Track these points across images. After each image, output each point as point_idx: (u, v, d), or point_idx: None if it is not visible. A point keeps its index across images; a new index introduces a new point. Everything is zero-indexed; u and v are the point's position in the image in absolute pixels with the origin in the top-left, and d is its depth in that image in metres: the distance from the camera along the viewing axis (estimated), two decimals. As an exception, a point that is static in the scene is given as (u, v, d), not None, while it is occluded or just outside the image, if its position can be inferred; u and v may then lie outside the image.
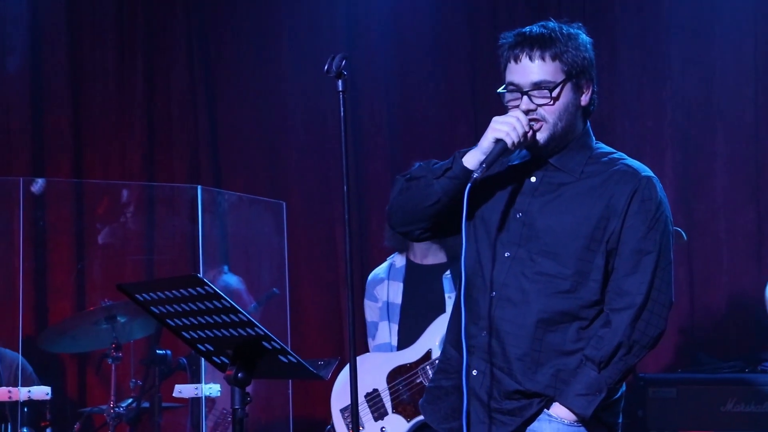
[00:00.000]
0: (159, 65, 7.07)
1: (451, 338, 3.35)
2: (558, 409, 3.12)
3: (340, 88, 3.27)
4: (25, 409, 5.42)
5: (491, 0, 6.92)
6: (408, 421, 4.95)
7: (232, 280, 6.40)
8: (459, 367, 3.26)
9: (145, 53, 7.02)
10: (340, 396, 5.09)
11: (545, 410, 3.14)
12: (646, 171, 3.19)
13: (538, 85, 3.11)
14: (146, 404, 5.56)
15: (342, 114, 3.26)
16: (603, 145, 3.28)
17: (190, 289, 2.92)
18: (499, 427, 3.17)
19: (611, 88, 6.54)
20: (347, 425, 5.04)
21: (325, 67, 3.26)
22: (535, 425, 3.15)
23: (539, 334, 3.12)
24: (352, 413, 3.24)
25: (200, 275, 2.95)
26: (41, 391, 5.42)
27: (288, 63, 7.02)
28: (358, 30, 7.01)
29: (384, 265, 5.31)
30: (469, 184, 3.05)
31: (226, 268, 6.42)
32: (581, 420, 3.12)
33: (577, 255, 3.12)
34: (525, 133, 3.08)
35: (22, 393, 5.36)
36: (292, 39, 7.02)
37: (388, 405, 4.98)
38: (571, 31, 3.18)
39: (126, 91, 7.02)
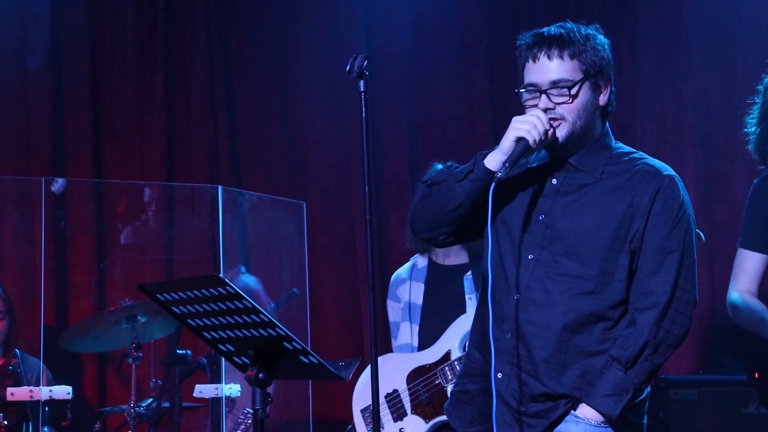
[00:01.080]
0: (179, 65, 7.08)
1: (475, 341, 3.36)
2: (585, 410, 3.12)
3: (362, 89, 3.26)
4: (47, 409, 5.44)
5: (511, 2, 6.92)
6: (426, 422, 4.94)
7: (250, 280, 6.41)
8: (484, 371, 3.26)
9: (164, 53, 7.03)
10: (360, 396, 5.09)
11: (572, 411, 3.14)
12: (668, 170, 3.20)
13: (556, 84, 3.13)
14: (166, 404, 5.57)
15: (364, 114, 3.25)
16: (623, 145, 3.28)
17: (211, 290, 2.92)
18: (526, 430, 3.16)
19: (632, 89, 6.53)
20: (368, 426, 5.04)
21: (347, 67, 3.25)
22: (562, 426, 3.15)
23: (565, 336, 3.12)
24: (373, 414, 3.24)
25: (221, 275, 2.95)
26: (62, 391, 5.44)
27: (308, 63, 7.02)
28: (378, 30, 7.01)
29: (407, 266, 5.31)
30: (493, 184, 3.05)
31: (243, 268, 6.42)
32: (608, 420, 3.11)
33: (601, 255, 3.12)
34: (546, 131, 3.09)
35: (44, 392, 5.38)
36: (311, 38, 7.02)
37: (407, 406, 4.98)
38: (589, 31, 3.20)
39: (146, 91, 7.03)
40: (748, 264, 4.17)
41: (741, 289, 4.16)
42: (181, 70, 7.08)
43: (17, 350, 5.72)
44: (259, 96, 7.08)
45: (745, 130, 4.18)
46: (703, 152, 6.46)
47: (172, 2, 7.09)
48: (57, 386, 5.47)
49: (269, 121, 7.08)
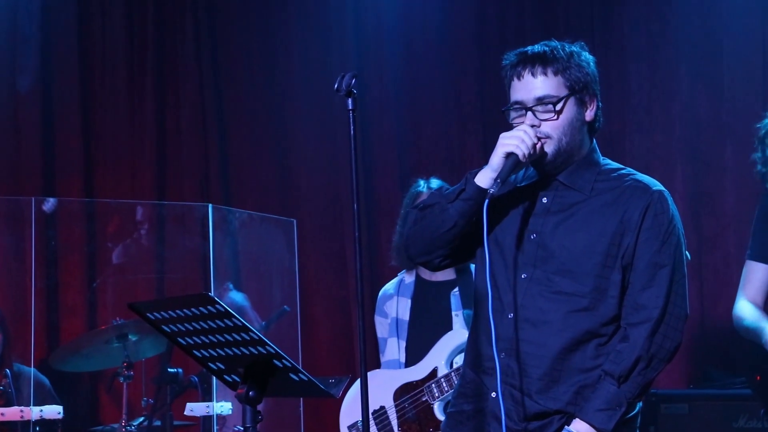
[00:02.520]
0: (169, 84, 7.09)
1: (470, 360, 3.34)
2: (578, 425, 3.11)
3: (350, 107, 3.27)
4: (37, 429, 5.42)
5: (500, 19, 6.95)
6: (413, 440, 4.94)
7: (238, 297, 6.41)
8: (478, 390, 3.25)
9: (155, 72, 7.04)
10: (348, 413, 5.08)
11: (566, 427, 3.13)
12: (657, 185, 3.21)
13: (541, 100, 3.14)
14: (158, 423, 5.57)
15: (352, 132, 3.26)
16: (611, 161, 3.29)
17: (201, 308, 2.91)
18: (521, 448, 3.16)
19: (620, 104, 6.55)
20: (356, 442, 5.04)
21: (335, 86, 3.26)
22: (555, 441, 3.15)
23: (561, 354, 3.13)
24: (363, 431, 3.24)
25: (211, 293, 2.95)
26: (53, 410, 5.42)
27: (298, 81, 7.04)
28: (368, 48, 7.04)
29: (394, 281, 5.31)
30: (486, 200, 3.06)
31: (231, 285, 6.42)
32: None
33: (594, 272, 3.13)
34: (534, 145, 3.10)
35: (34, 412, 5.36)
36: (302, 57, 7.04)
37: (394, 423, 4.97)
38: (573, 48, 3.21)
39: (136, 110, 7.04)
40: (755, 275, 4.26)
41: (747, 299, 4.24)
42: (171, 88, 7.09)
43: (8, 370, 5.71)
44: (249, 114, 7.10)
45: (759, 169, 4.26)
46: (692, 167, 6.48)
47: (163, 22, 7.11)
48: (47, 406, 5.46)
49: (260, 139, 7.09)
